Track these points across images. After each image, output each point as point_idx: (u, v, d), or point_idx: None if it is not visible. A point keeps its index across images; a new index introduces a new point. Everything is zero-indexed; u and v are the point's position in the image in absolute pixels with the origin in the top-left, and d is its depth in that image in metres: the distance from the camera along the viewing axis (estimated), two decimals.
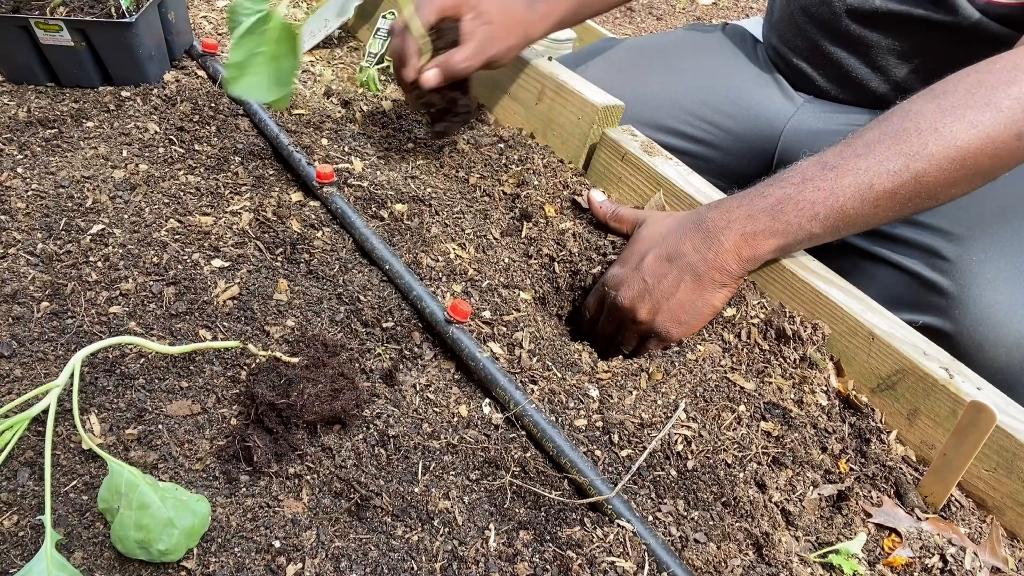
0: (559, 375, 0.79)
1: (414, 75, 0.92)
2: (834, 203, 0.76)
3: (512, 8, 0.97)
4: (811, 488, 0.73)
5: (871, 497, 0.73)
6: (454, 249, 0.92)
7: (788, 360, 0.81)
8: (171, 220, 0.88)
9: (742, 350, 0.82)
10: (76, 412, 0.59)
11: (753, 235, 0.79)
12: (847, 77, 1.07)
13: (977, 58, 0.96)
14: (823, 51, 1.07)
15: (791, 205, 0.77)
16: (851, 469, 0.75)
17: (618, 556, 0.62)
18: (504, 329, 0.83)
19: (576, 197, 1.02)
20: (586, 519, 0.66)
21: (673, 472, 0.72)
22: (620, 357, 0.89)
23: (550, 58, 1.13)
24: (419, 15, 0.90)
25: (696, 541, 0.66)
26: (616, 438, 0.73)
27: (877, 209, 0.76)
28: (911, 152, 0.74)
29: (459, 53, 0.92)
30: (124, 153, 0.98)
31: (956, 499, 0.74)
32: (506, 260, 0.92)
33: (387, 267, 0.86)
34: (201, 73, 1.21)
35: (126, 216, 0.87)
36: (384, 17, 1.32)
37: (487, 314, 0.84)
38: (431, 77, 0.92)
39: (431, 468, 0.68)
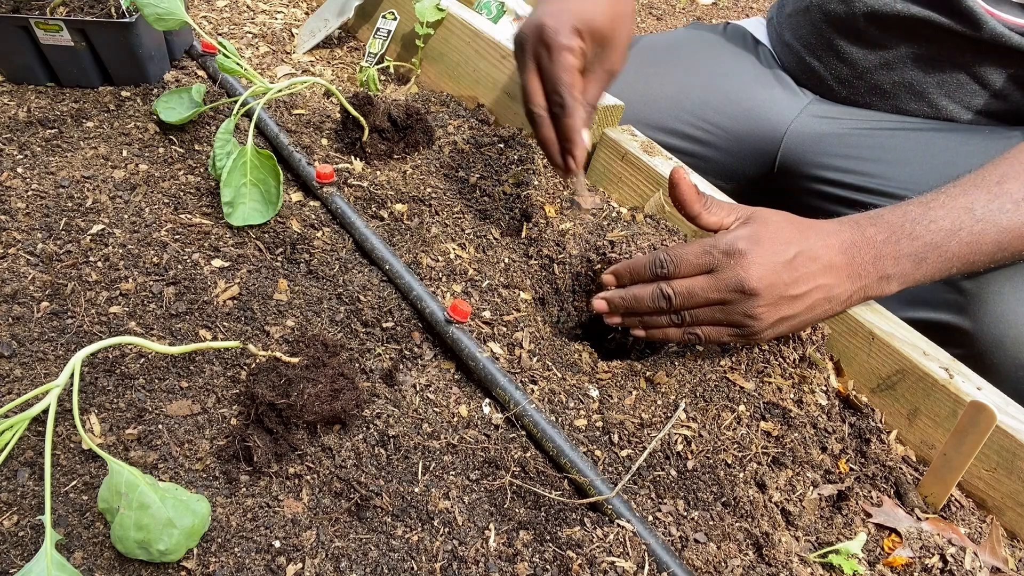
0: (559, 375, 0.79)
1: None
2: (969, 257, 0.75)
3: (620, 5, 0.84)
4: (811, 488, 0.73)
5: (871, 497, 0.73)
6: (454, 249, 0.92)
7: (788, 360, 0.81)
8: (171, 220, 0.88)
9: (741, 350, 0.82)
10: (76, 412, 0.59)
11: (888, 279, 0.75)
12: (861, 78, 1.07)
13: (997, 68, 0.95)
14: (838, 50, 1.07)
15: (935, 255, 0.74)
16: (851, 469, 0.75)
17: (618, 556, 0.62)
18: (504, 329, 0.83)
19: (576, 197, 1.02)
20: (586, 519, 0.66)
21: (673, 472, 0.72)
22: (647, 325, 0.79)
23: None
24: (571, 83, 0.79)
25: (696, 541, 0.66)
26: (616, 438, 0.73)
27: (991, 264, 0.77)
28: None
29: (589, 87, 0.82)
30: (124, 153, 0.98)
31: (956, 499, 0.74)
32: (506, 260, 0.92)
33: (387, 267, 0.86)
34: (201, 73, 1.21)
35: (126, 216, 0.87)
36: (384, 17, 1.32)
37: (487, 314, 0.84)
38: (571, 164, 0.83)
39: (431, 468, 0.68)
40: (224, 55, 1.00)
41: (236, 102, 0.99)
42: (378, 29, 1.32)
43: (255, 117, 0.96)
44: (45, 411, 0.60)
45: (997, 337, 0.80)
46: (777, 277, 0.71)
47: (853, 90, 1.08)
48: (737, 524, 0.68)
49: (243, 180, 0.90)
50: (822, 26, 1.08)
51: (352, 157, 1.03)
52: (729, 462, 0.73)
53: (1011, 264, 0.80)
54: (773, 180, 1.16)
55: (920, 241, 0.74)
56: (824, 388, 0.80)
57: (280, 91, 0.97)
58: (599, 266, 0.93)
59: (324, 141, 1.05)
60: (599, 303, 0.78)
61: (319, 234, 0.91)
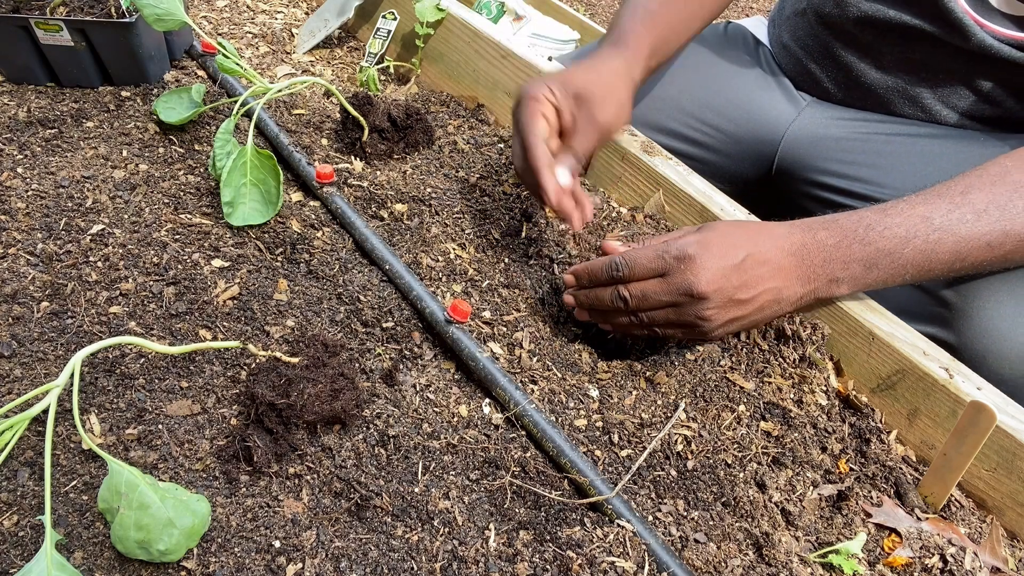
0: (559, 375, 0.79)
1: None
2: (924, 266, 0.75)
3: (598, 73, 0.89)
4: (811, 488, 0.73)
5: (871, 497, 0.73)
6: (454, 249, 0.92)
7: (788, 360, 0.81)
8: (171, 220, 0.88)
9: (741, 350, 0.82)
10: (76, 412, 0.59)
11: (838, 283, 0.77)
12: (856, 82, 1.07)
13: (988, 77, 0.95)
14: (834, 54, 1.07)
15: (887, 261, 0.75)
16: (851, 469, 0.75)
17: (618, 556, 0.62)
18: (504, 329, 0.83)
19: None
20: (586, 519, 0.66)
21: (673, 472, 0.72)
22: (610, 324, 0.83)
23: (550, 58, 1.13)
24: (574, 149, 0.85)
25: (696, 541, 0.66)
26: (616, 438, 0.73)
27: (951, 274, 0.76)
28: (1012, 231, 0.73)
29: (576, 138, 0.86)
30: (124, 153, 0.98)
31: (956, 499, 0.74)
32: (506, 260, 0.92)
33: (387, 267, 0.86)
34: (201, 73, 1.21)
35: (126, 216, 0.87)
36: (384, 17, 1.32)
37: (487, 314, 0.84)
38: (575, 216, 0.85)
39: (431, 468, 0.68)
40: (224, 55, 1.00)
41: (236, 102, 0.99)
42: (378, 29, 1.32)
43: (255, 117, 0.96)
44: (45, 411, 0.60)
45: (980, 352, 0.80)
46: (726, 281, 0.74)
47: (849, 93, 1.09)
48: (737, 524, 0.68)
49: (243, 180, 0.90)
50: (818, 28, 1.08)
51: (352, 157, 1.03)
52: (729, 462, 0.73)
53: (976, 274, 0.81)
54: (771, 183, 1.16)
55: (872, 247, 0.75)
56: (824, 388, 0.80)
57: (280, 91, 0.97)
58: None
59: (324, 141, 1.05)
60: (568, 298, 0.83)
61: (319, 234, 0.91)
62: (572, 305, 0.83)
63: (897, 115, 1.05)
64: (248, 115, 1.10)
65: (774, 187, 1.16)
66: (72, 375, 0.60)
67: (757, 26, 1.27)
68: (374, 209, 0.96)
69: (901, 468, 0.76)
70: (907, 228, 0.75)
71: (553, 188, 0.81)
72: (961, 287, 0.82)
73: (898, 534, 0.69)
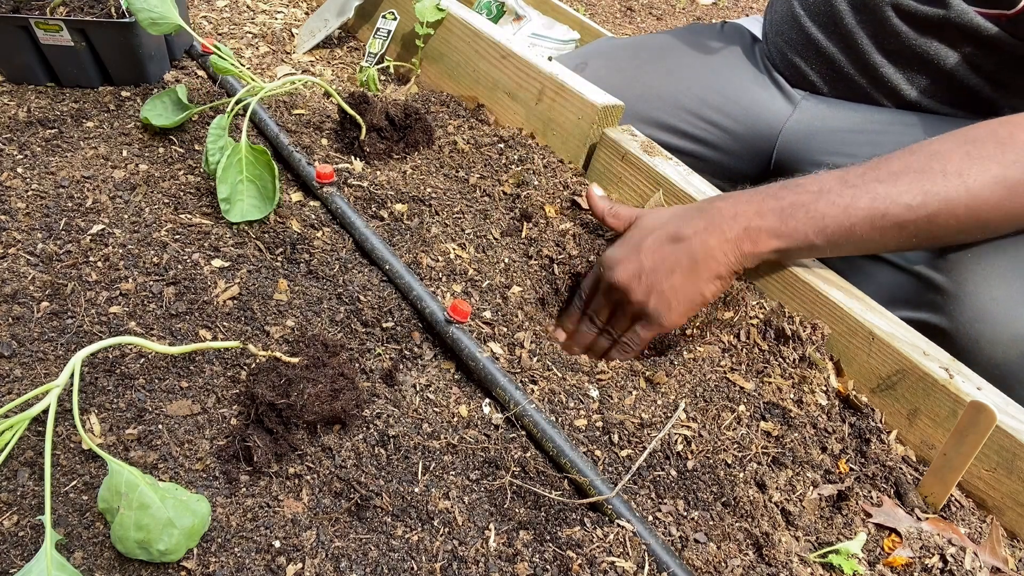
0: (559, 375, 0.79)
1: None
2: (844, 220, 0.77)
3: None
4: (811, 488, 0.73)
5: (871, 497, 0.73)
6: (454, 249, 0.92)
7: (788, 360, 0.81)
8: (171, 220, 0.88)
9: (741, 350, 0.82)
10: (76, 412, 0.59)
11: (757, 231, 0.79)
12: (838, 73, 1.08)
13: (967, 58, 0.96)
14: (816, 45, 1.08)
15: (802, 212, 0.78)
16: (851, 469, 0.75)
17: (618, 556, 0.62)
18: (504, 329, 0.83)
19: (576, 197, 1.02)
20: (586, 519, 0.66)
21: (673, 472, 0.72)
22: (604, 354, 0.89)
23: (550, 58, 1.13)
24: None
25: (696, 541, 0.66)
26: (616, 438, 0.73)
27: (883, 237, 0.77)
28: (932, 191, 0.75)
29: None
30: (124, 153, 0.98)
31: (956, 499, 0.74)
32: (506, 260, 0.92)
33: (387, 267, 0.86)
34: (201, 73, 1.21)
35: (126, 216, 0.87)
36: (384, 17, 1.32)
37: (487, 314, 0.84)
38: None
39: (431, 468, 0.68)
40: (219, 56, 1.00)
41: (232, 100, 0.99)
42: (378, 29, 1.32)
43: (249, 113, 0.96)
44: (45, 411, 0.60)
45: (974, 336, 0.80)
46: (636, 264, 0.83)
47: (834, 86, 1.10)
48: (737, 524, 0.68)
49: (239, 176, 0.90)
50: (803, 21, 1.10)
51: (352, 157, 1.03)
52: (729, 462, 0.73)
53: (909, 249, 0.83)
54: (770, 178, 1.17)
55: (785, 200, 0.79)
56: (824, 388, 0.80)
57: (274, 89, 0.97)
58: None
59: (324, 141, 1.05)
60: (574, 351, 0.91)
61: (319, 234, 0.91)
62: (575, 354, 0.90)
63: (877, 103, 1.06)
64: (244, 113, 1.10)
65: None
66: (72, 375, 0.60)
67: (754, 25, 1.28)
68: (374, 209, 0.96)
69: (901, 468, 0.76)
70: (820, 185, 0.79)
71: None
72: (954, 272, 0.82)
73: (898, 534, 0.69)
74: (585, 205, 1.01)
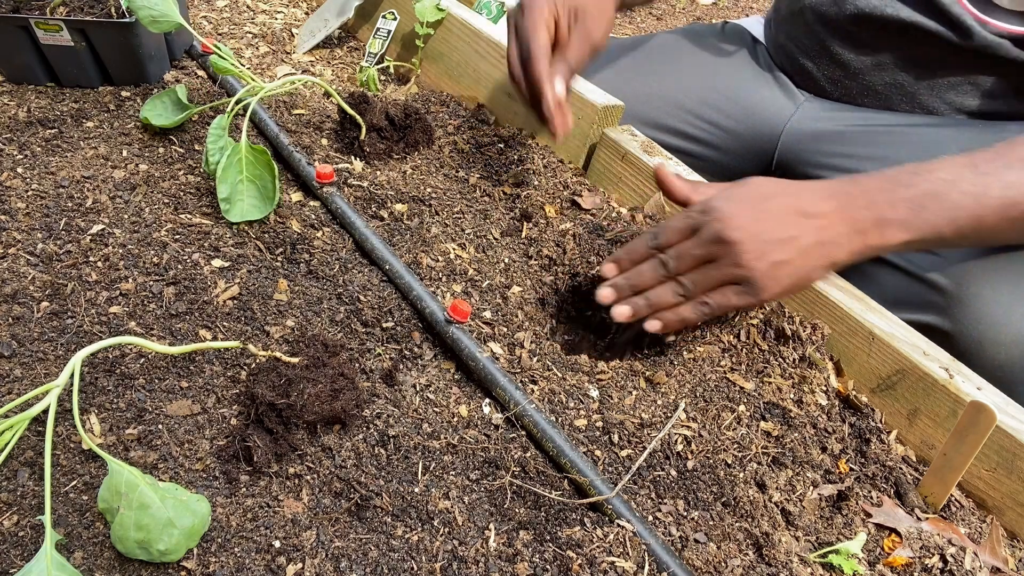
0: (559, 375, 0.79)
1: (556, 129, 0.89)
2: (976, 210, 0.73)
3: None
4: (811, 488, 0.73)
5: (871, 497, 0.73)
6: (454, 249, 0.92)
7: (788, 360, 0.81)
8: (171, 220, 0.88)
9: (741, 350, 0.82)
10: (76, 412, 0.59)
11: (888, 223, 0.73)
12: (852, 79, 1.07)
13: (989, 74, 0.95)
14: (831, 52, 1.07)
15: (936, 202, 0.73)
16: (851, 469, 0.75)
17: (618, 556, 0.62)
18: (504, 329, 0.83)
19: (576, 198, 1.02)
20: (586, 519, 0.66)
21: (673, 472, 0.72)
22: (657, 308, 0.78)
23: None
24: (536, 29, 0.87)
25: (696, 541, 0.66)
26: (616, 438, 0.73)
27: (1012, 227, 0.74)
28: None
29: (568, 54, 0.88)
30: (124, 153, 0.98)
31: (956, 499, 0.74)
32: (506, 260, 0.92)
33: (387, 267, 0.86)
34: (201, 73, 1.21)
35: (126, 216, 0.87)
36: (384, 17, 1.32)
37: (487, 314, 0.84)
38: (559, 123, 0.88)
39: (431, 468, 0.68)
40: (219, 56, 1.00)
41: (232, 100, 0.99)
42: (378, 29, 1.32)
43: (249, 113, 0.96)
44: (45, 411, 0.60)
45: (976, 338, 0.80)
46: (755, 224, 0.72)
47: (846, 91, 1.09)
48: (737, 524, 0.68)
49: (239, 176, 0.90)
50: (815, 27, 1.08)
51: (352, 157, 1.03)
52: (729, 462, 0.73)
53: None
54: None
55: (918, 189, 0.73)
56: (824, 388, 0.80)
57: (274, 89, 0.97)
58: (598, 268, 0.93)
59: (324, 141, 1.05)
60: (605, 292, 0.79)
61: (319, 234, 0.91)
62: (610, 300, 0.79)
63: (895, 111, 1.05)
64: (244, 112, 1.10)
65: None
66: (72, 375, 0.60)
67: (755, 25, 1.28)
68: (374, 209, 0.96)
69: (901, 468, 0.76)
70: (951, 172, 0.73)
71: (552, 99, 0.86)
72: (956, 273, 0.82)
73: (898, 534, 0.69)
74: (585, 205, 1.01)
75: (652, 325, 0.77)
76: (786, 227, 0.73)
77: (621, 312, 0.78)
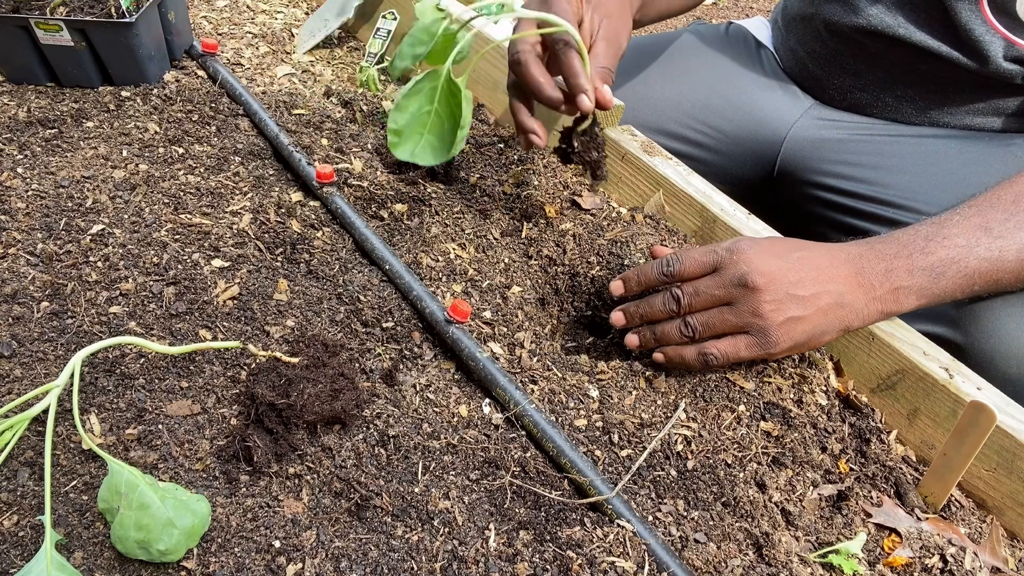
0: (559, 375, 0.79)
1: (591, 98, 0.80)
2: (994, 275, 0.73)
3: None
4: (811, 488, 0.73)
5: (871, 497, 0.73)
6: (454, 249, 0.92)
7: (788, 360, 0.81)
8: (171, 220, 0.88)
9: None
10: (76, 412, 0.59)
11: (906, 291, 0.73)
12: (863, 89, 1.06)
13: (1003, 97, 0.94)
14: (841, 62, 1.07)
15: (954, 270, 0.73)
16: (851, 469, 0.75)
17: (618, 556, 0.62)
18: (504, 329, 0.83)
19: (576, 198, 1.02)
20: (586, 519, 0.66)
21: (673, 472, 0.72)
22: (658, 339, 0.78)
23: None
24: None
25: (696, 541, 0.66)
26: (616, 438, 0.73)
27: (1019, 283, 0.75)
28: None
29: (600, 58, 0.82)
30: (124, 153, 0.98)
31: (956, 499, 0.74)
32: (506, 260, 0.92)
33: (387, 267, 0.86)
34: (201, 73, 1.21)
35: (126, 216, 0.87)
36: (384, 17, 1.32)
37: (487, 314, 0.84)
38: (605, 93, 0.81)
39: (431, 468, 0.68)
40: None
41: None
42: (378, 29, 1.32)
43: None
44: (45, 411, 0.60)
45: (988, 351, 0.80)
46: (781, 274, 0.71)
47: (855, 100, 1.08)
48: (737, 524, 0.68)
49: (428, 108, 0.74)
50: (825, 36, 1.07)
51: (352, 157, 1.03)
52: (729, 462, 0.73)
53: None
54: (773, 185, 1.16)
55: (935, 256, 0.73)
56: (824, 388, 0.80)
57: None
58: (598, 268, 0.93)
59: (324, 141, 1.05)
60: (617, 316, 0.80)
61: (319, 234, 0.91)
62: (621, 324, 0.80)
63: (905, 123, 1.05)
64: (248, 114, 1.10)
65: (776, 189, 1.16)
66: (72, 375, 0.60)
67: (759, 27, 1.27)
68: (374, 209, 0.96)
69: (901, 468, 0.76)
70: (967, 237, 0.73)
71: (591, 92, 0.80)
72: None
73: (898, 534, 0.69)
74: (585, 205, 1.01)
75: (656, 357, 0.78)
76: (808, 284, 0.71)
77: (630, 341, 0.79)
